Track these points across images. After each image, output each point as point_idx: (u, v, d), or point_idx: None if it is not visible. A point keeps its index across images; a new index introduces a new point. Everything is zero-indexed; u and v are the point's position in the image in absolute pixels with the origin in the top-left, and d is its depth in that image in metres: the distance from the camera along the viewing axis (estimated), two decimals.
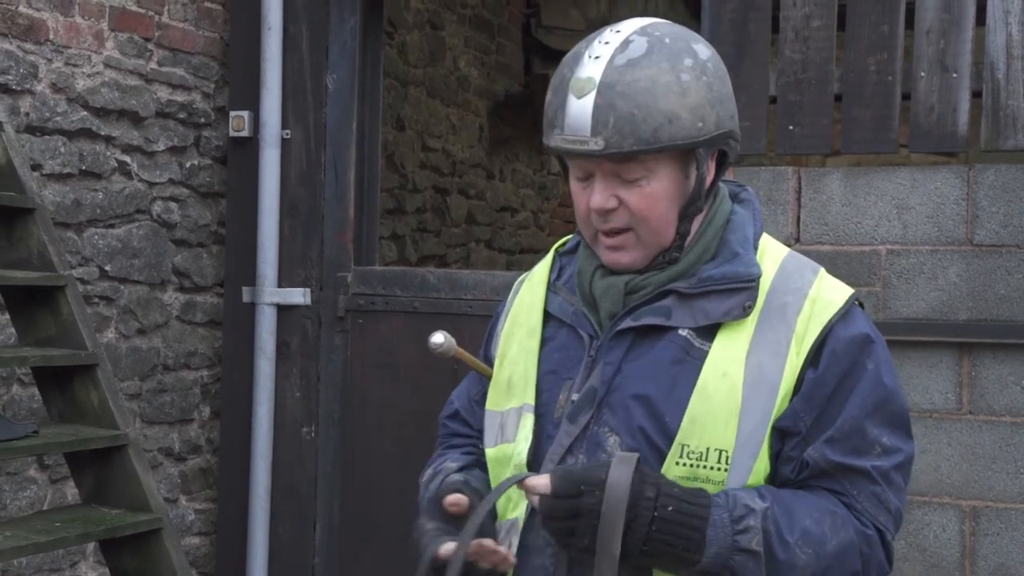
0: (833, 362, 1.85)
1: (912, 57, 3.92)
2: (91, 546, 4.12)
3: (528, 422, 1.93)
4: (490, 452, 2.02)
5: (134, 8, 4.34)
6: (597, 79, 1.83)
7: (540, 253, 7.74)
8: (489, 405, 2.05)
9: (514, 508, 1.95)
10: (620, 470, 1.78)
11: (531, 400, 1.95)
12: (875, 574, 1.88)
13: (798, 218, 3.98)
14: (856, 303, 1.92)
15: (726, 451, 1.82)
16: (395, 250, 6.36)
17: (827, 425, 1.85)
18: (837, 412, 1.85)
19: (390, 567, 4.48)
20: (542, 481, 1.79)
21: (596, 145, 1.82)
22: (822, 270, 1.94)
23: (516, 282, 2.16)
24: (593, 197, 1.88)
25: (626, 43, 1.85)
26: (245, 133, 4.63)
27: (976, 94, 3.87)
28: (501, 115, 7.54)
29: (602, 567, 1.76)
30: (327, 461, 4.57)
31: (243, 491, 4.59)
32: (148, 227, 4.45)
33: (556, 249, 2.11)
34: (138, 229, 4.40)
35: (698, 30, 10.39)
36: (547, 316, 2.01)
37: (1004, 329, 3.73)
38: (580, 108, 1.83)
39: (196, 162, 4.66)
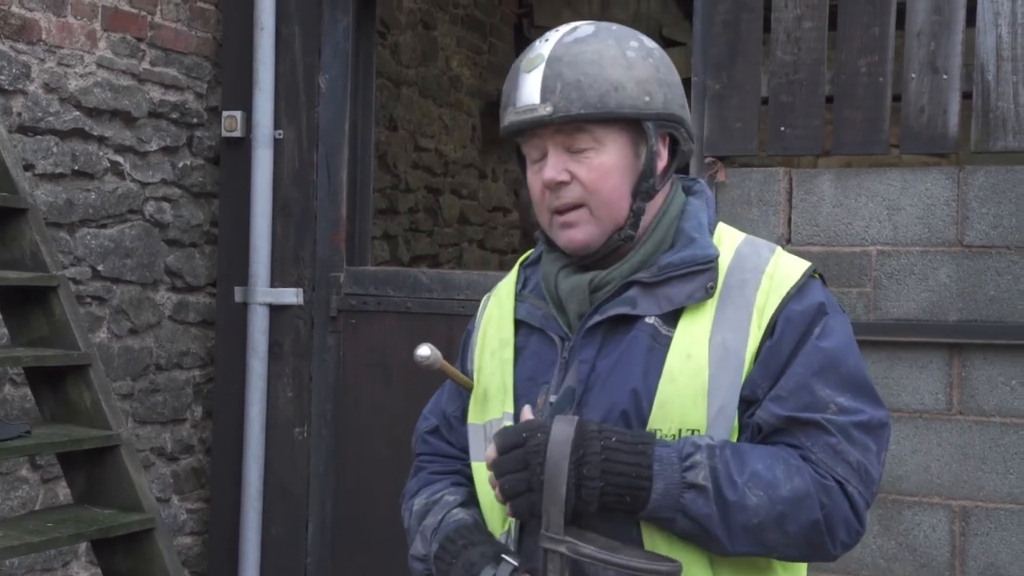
0: (787, 330, 1.88)
1: (903, 59, 3.93)
2: (83, 546, 4.13)
3: None
4: (480, 466, 2.03)
5: (127, 8, 4.34)
6: (546, 54, 1.92)
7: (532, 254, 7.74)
8: (471, 419, 2.07)
9: (505, 521, 1.97)
10: (562, 417, 1.83)
11: (510, 409, 1.97)
12: (843, 531, 1.86)
13: (789, 219, 4.00)
14: (813, 275, 1.94)
15: (698, 430, 1.85)
16: (387, 250, 6.36)
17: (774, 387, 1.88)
18: (783, 372, 1.87)
19: (382, 567, 4.49)
20: (490, 446, 1.86)
21: (545, 111, 1.89)
22: (779, 248, 1.98)
23: (483, 299, 2.19)
24: (545, 171, 1.93)
25: (574, 28, 1.96)
26: (238, 133, 4.64)
27: (966, 96, 3.88)
28: (494, 115, 7.55)
29: (550, 510, 1.78)
30: (319, 461, 4.57)
31: (235, 491, 4.59)
32: (140, 227, 4.45)
33: (520, 262, 2.15)
34: (130, 229, 4.40)
35: (690, 31, 10.31)
36: (518, 325, 2.04)
37: (994, 330, 3.75)
38: (530, 80, 1.91)
39: (188, 162, 4.66)
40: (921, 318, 3.84)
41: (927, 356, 3.82)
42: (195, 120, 4.68)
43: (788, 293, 1.90)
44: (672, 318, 1.91)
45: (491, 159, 7.62)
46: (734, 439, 1.87)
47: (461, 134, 7.22)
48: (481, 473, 2.03)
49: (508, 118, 1.95)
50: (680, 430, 1.85)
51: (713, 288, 1.90)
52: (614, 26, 1.97)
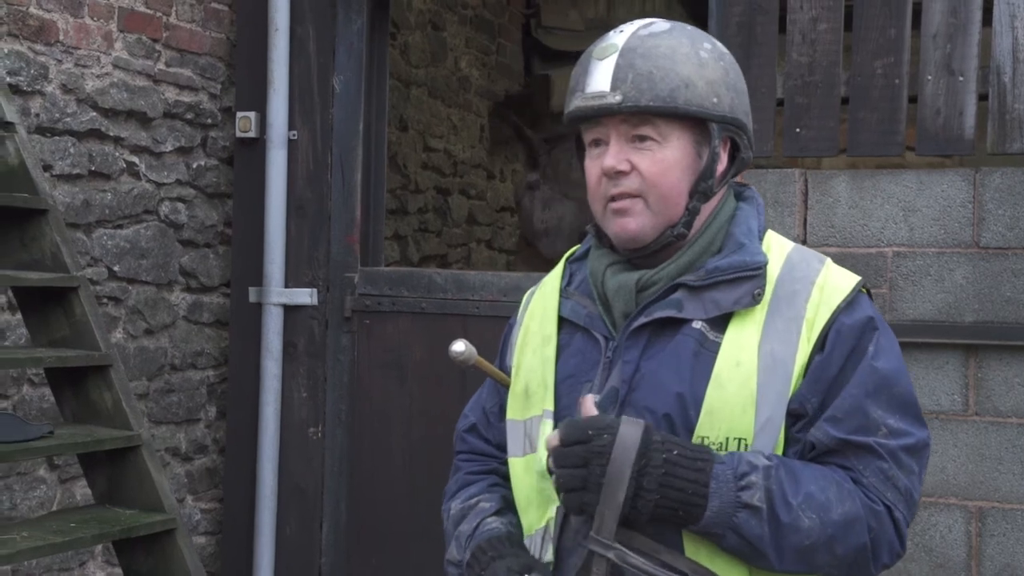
0: (838, 344, 1.89)
1: (919, 60, 3.94)
2: (100, 546, 4.13)
3: (547, 429, 1.96)
4: (518, 461, 2.04)
5: (142, 9, 4.35)
6: (620, 44, 1.93)
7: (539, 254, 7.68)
8: (510, 415, 2.07)
9: (543, 515, 1.97)
10: (630, 420, 1.82)
11: (550, 407, 1.97)
12: (887, 553, 1.89)
13: (805, 220, 4.01)
14: (862, 290, 1.95)
15: (745, 439, 1.85)
16: (397, 250, 6.37)
17: (829, 406, 1.87)
18: (838, 393, 1.88)
19: (397, 567, 4.50)
20: (551, 434, 1.84)
21: (614, 99, 1.90)
22: (828, 260, 1.99)
23: (527, 293, 2.19)
24: (606, 159, 1.93)
25: (651, 23, 1.98)
26: (252, 134, 4.65)
27: (983, 97, 3.89)
28: (502, 115, 7.56)
29: (604, 513, 1.78)
30: (334, 461, 4.58)
31: (249, 491, 4.60)
32: (156, 227, 4.46)
33: (567, 258, 2.14)
34: (146, 230, 4.41)
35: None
36: (561, 322, 2.03)
37: (1010, 331, 3.75)
38: (602, 68, 1.92)
39: (203, 163, 4.67)
40: (937, 319, 3.85)
41: (943, 357, 3.83)
42: (209, 121, 4.68)
43: (839, 306, 1.90)
44: (719, 324, 1.91)
45: (499, 159, 7.63)
46: (779, 451, 1.88)
47: (470, 134, 7.23)
48: (518, 469, 2.04)
49: (575, 103, 1.95)
50: (727, 438, 1.85)
51: (761, 295, 1.90)
52: (689, 26, 1.99)
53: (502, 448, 2.12)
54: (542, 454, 1.95)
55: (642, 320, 1.93)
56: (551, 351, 2.01)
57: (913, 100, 3.96)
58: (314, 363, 4.59)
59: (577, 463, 1.79)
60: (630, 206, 1.93)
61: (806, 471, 1.85)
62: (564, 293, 2.06)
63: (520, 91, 7.79)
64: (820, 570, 1.86)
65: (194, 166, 4.63)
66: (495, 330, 4.32)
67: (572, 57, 7.63)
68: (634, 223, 1.94)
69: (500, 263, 7.50)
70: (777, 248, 1.99)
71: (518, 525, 2.05)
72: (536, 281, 4.34)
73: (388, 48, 4.90)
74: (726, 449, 1.84)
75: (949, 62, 3.90)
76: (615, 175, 1.93)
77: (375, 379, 4.54)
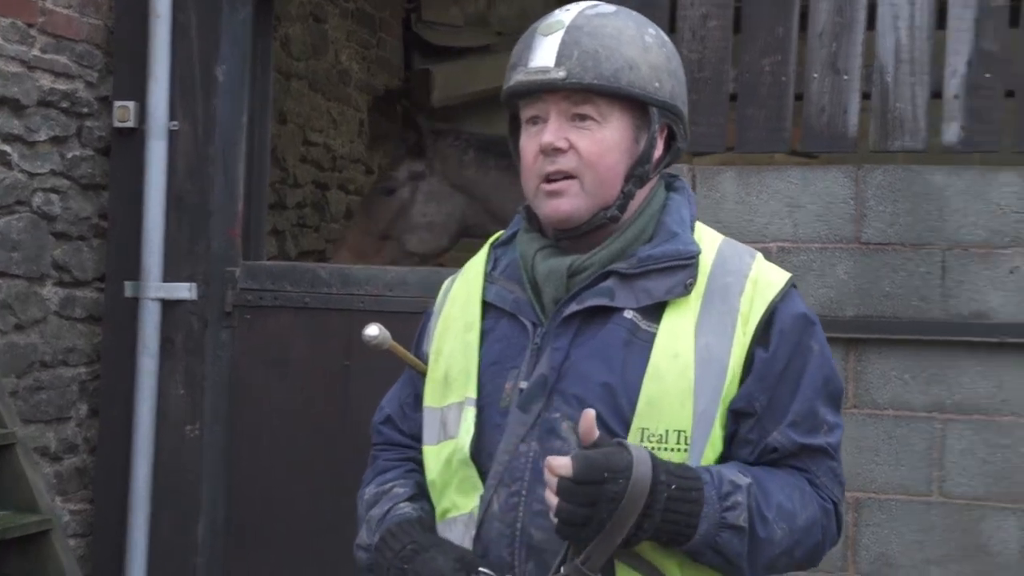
0: (782, 341, 1.89)
1: (805, 59, 3.99)
2: None
3: (470, 415, 1.92)
4: (432, 449, 2.00)
5: None
6: (567, 22, 1.92)
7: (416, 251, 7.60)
8: (427, 402, 2.03)
9: (467, 502, 1.93)
10: (641, 456, 1.76)
11: (472, 394, 1.94)
12: (829, 544, 1.94)
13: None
14: (793, 285, 1.95)
15: (684, 431, 1.84)
16: (275, 245, 6.26)
17: (783, 406, 1.89)
18: (790, 393, 1.89)
19: (275, 566, 4.42)
20: (563, 462, 1.75)
21: (558, 74, 1.88)
22: (759, 254, 1.99)
23: (447, 281, 2.15)
24: (545, 135, 1.91)
25: (596, 4, 1.97)
26: (130, 124, 4.51)
27: (866, 96, 3.96)
28: (381, 110, 7.49)
29: (598, 549, 1.75)
30: (212, 460, 4.47)
31: (122, 491, 4.46)
32: (28, 219, 4.30)
33: (491, 242, 2.11)
34: (18, 221, 4.25)
35: None
36: (485, 308, 2.00)
37: (889, 326, 3.82)
38: (547, 44, 1.91)
39: (78, 153, 4.52)
40: (819, 313, 3.83)
41: None
42: (85, 110, 4.53)
43: (772, 300, 1.91)
44: (652, 313, 1.89)
45: (377, 155, 7.56)
46: (716, 445, 1.87)
47: (349, 129, 7.15)
48: (430, 456, 2.00)
49: (516, 77, 1.93)
50: (668, 430, 1.84)
51: (693, 284, 1.89)
52: (633, 11, 1.99)
53: (417, 439, 2.08)
54: (465, 441, 1.91)
55: (573, 307, 1.91)
56: (474, 337, 1.97)
57: (799, 98, 4.01)
58: (192, 359, 4.47)
59: (584, 502, 1.74)
60: (565, 188, 1.91)
61: (772, 480, 1.87)
62: (489, 278, 2.03)
63: (400, 86, 7.73)
64: (777, 572, 1.87)
65: (69, 156, 4.47)
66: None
67: (452, 52, 7.55)
68: (567, 204, 1.91)
69: None
70: (708, 239, 1.98)
71: (430, 512, 2.01)
72: (423, 276, 4.32)
73: (272, 39, 4.80)
74: (666, 441, 1.83)
75: (834, 61, 3.96)
76: (552, 152, 1.91)
77: (256, 375, 4.44)
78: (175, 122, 4.49)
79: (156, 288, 4.44)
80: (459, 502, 1.93)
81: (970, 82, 3.85)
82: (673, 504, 1.77)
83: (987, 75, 3.85)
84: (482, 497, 1.89)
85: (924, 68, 3.89)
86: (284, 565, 4.41)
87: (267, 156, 4.69)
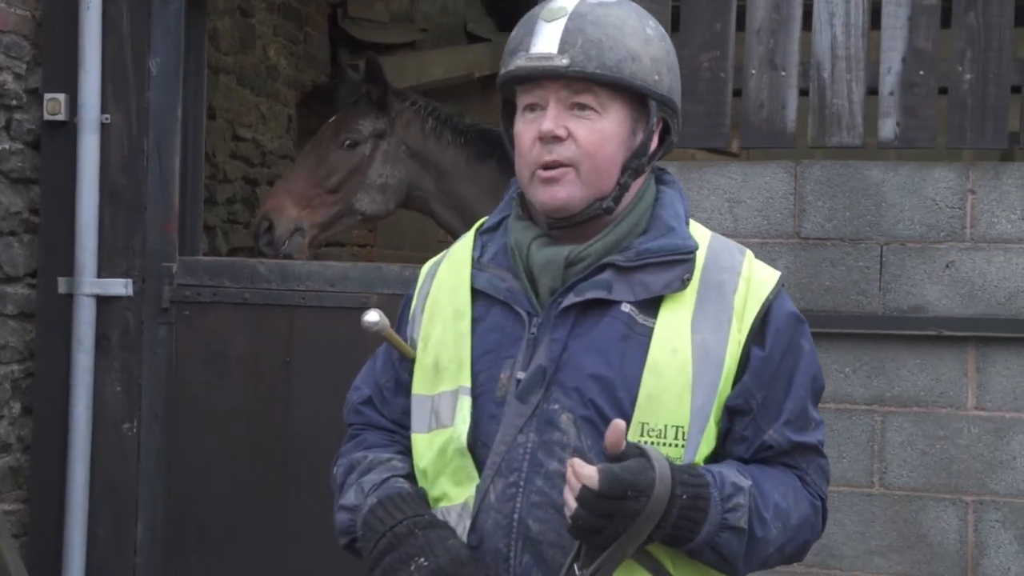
0: (777, 340, 1.92)
1: (743, 55, 4.03)
2: None
3: (465, 404, 1.92)
4: (423, 437, 1.98)
5: None
6: (570, 8, 1.91)
7: (347, 247, 7.62)
8: (417, 389, 2.01)
9: (461, 493, 1.92)
10: (664, 474, 1.76)
11: (467, 382, 1.93)
12: (814, 538, 1.98)
13: None
14: (783, 285, 1.98)
15: (682, 427, 1.86)
16: (206, 241, 6.19)
17: (777, 405, 1.91)
18: (784, 391, 1.91)
19: (216, 565, 4.37)
20: (589, 472, 1.75)
21: (561, 62, 1.87)
22: (748, 251, 2.01)
23: (429, 264, 2.14)
24: (544, 122, 1.90)
25: None
26: (61, 117, 4.43)
27: (803, 92, 4.01)
28: (309, 105, 7.44)
29: (607, 560, 1.76)
30: (149, 458, 4.41)
31: (58, 491, 4.38)
32: None
33: (477, 228, 2.10)
34: None
35: (494, 27, 10.24)
36: (474, 295, 1.99)
37: (827, 319, 3.88)
38: (550, 30, 1.90)
39: (7, 146, 4.42)
40: None
41: None
42: (14, 102, 4.44)
43: (767, 298, 1.93)
44: (648, 307, 1.90)
45: None
46: (710, 441, 1.89)
47: (278, 124, 7.09)
48: (420, 444, 1.98)
49: (516, 63, 1.91)
50: (666, 426, 1.85)
51: (689, 279, 1.90)
52: (635, 3, 1.99)
53: (399, 424, 2.07)
54: (462, 430, 1.90)
55: (572, 299, 1.90)
56: (465, 325, 1.96)
57: (738, 94, 4.05)
58: (129, 356, 4.41)
59: (603, 513, 1.74)
60: (561, 175, 1.91)
61: (768, 480, 1.89)
62: (477, 265, 2.01)
63: (328, 81, 7.68)
64: (766, 567, 1.90)
65: None
66: (322, 321, 4.29)
67: (378, 49, 7.43)
68: (564, 191, 1.91)
69: (308, 256, 7.36)
70: (699, 235, 2.00)
71: (426, 497, 1.99)
72: (365, 272, 4.29)
73: (206, 32, 4.75)
74: (665, 436, 1.85)
75: (772, 57, 4.01)
76: (551, 140, 1.90)
77: (194, 372, 4.39)
78: (107, 115, 4.41)
79: (91, 284, 4.37)
80: (452, 492, 1.93)
81: (905, 79, 3.92)
82: (683, 512, 1.79)
83: (921, 72, 3.92)
84: (478, 487, 1.89)
85: (860, 65, 3.95)
86: (224, 565, 4.36)
87: (202, 150, 4.64)
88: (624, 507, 1.73)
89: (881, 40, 3.94)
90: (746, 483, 1.84)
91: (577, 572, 1.80)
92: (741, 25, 4.05)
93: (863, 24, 3.94)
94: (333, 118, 4.95)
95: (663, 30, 2.00)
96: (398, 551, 1.86)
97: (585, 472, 1.75)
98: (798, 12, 4.00)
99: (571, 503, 1.76)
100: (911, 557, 3.80)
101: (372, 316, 1.94)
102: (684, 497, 1.78)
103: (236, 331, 4.35)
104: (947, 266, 3.82)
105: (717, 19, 4.04)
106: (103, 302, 4.39)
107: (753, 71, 4.02)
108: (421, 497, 1.96)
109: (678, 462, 1.85)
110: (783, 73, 4.00)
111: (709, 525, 1.81)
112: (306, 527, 4.30)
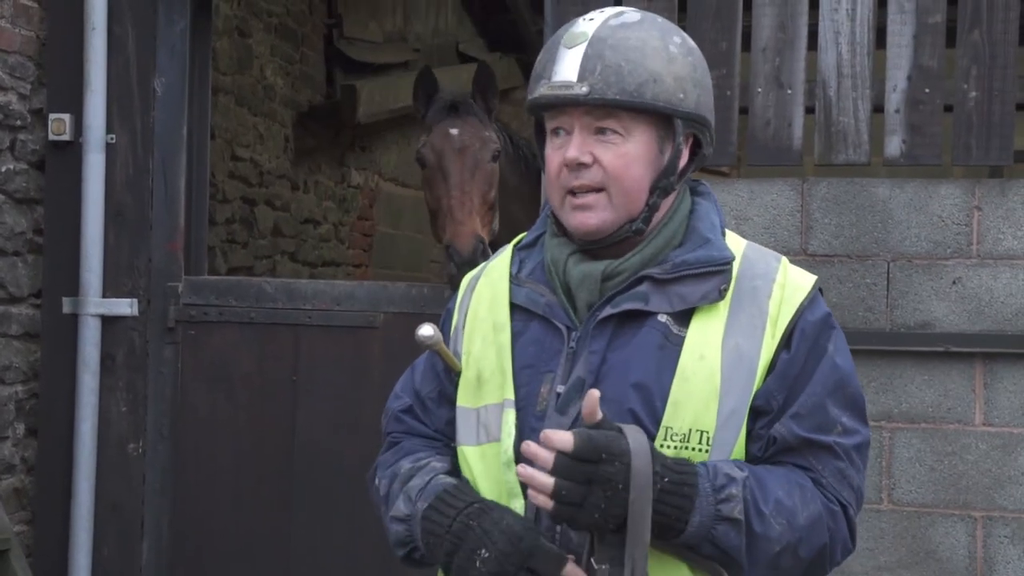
0: (801, 342, 1.93)
1: (749, 73, 4.06)
2: None
3: (510, 418, 1.92)
4: (473, 450, 1.99)
5: None
6: (590, 33, 1.92)
7: (342, 267, 7.61)
8: (461, 402, 2.02)
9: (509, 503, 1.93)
10: (639, 442, 1.77)
11: (510, 395, 1.93)
12: (840, 551, 1.94)
13: None
14: (819, 289, 1.98)
15: (707, 432, 1.86)
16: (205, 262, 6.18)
17: (791, 400, 1.91)
18: (799, 388, 1.91)
19: None
20: (563, 436, 1.77)
21: (580, 90, 1.88)
22: (784, 258, 2.02)
23: (468, 278, 2.15)
24: (569, 150, 1.92)
25: (621, 12, 1.96)
26: (66, 137, 4.43)
27: (809, 110, 4.03)
28: (306, 126, 7.45)
29: (634, 554, 1.76)
30: (155, 478, 4.40)
31: (63, 511, 4.37)
32: None
33: (514, 244, 2.11)
34: None
35: (484, 48, 10.25)
36: (512, 309, 2.00)
37: None
38: (571, 57, 1.91)
39: (11, 167, 4.42)
40: None
41: None
42: (18, 122, 4.44)
43: (801, 304, 1.94)
44: (683, 317, 1.91)
45: (303, 170, 7.51)
46: (741, 445, 1.89)
47: (275, 144, 7.09)
48: (473, 457, 1.98)
49: (539, 91, 1.93)
50: (691, 430, 1.86)
51: (726, 290, 1.91)
52: (659, 18, 1.99)
53: (441, 433, 2.08)
54: (507, 444, 1.91)
55: (609, 311, 1.92)
56: (505, 339, 1.98)
57: (744, 111, 4.07)
58: (134, 376, 4.40)
59: (580, 480, 1.75)
60: (592, 202, 1.92)
61: (771, 477, 1.88)
62: (515, 280, 2.03)
63: (324, 102, 7.69)
64: (783, 573, 1.88)
65: (2, 170, 4.37)
66: (328, 340, 4.29)
67: (373, 69, 7.17)
68: (594, 218, 1.93)
69: (303, 276, 7.37)
70: (735, 244, 2.00)
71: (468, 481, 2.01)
72: (371, 291, 4.28)
73: (211, 51, 4.75)
74: (689, 441, 1.86)
75: (778, 75, 4.03)
76: (577, 167, 1.91)
77: (200, 392, 4.38)
78: (112, 135, 4.42)
79: (96, 304, 4.36)
80: (503, 499, 1.94)
81: (910, 97, 3.95)
82: (665, 496, 1.79)
83: (926, 90, 3.94)
84: (527, 507, 1.89)
85: (866, 83, 3.97)
86: None
87: (207, 169, 4.64)
88: (600, 471, 1.75)
89: (887, 58, 3.97)
90: (740, 474, 1.84)
91: (595, 567, 1.80)
92: (747, 44, 4.07)
93: (868, 42, 3.97)
94: (455, 130, 4.42)
95: (691, 44, 1.99)
96: (462, 549, 1.86)
97: (559, 436, 1.77)
98: (803, 31, 4.03)
99: (544, 480, 1.76)
100: (920, 573, 3.81)
101: (427, 330, 1.94)
102: (666, 480, 1.79)
103: (242, 350, 4.35)
104: (954, 282, 3.84)
105: (722, 38, 4.06)
106: (108, 322, 4.39)
107: (759, 89, 4.04)
108: (467, 485, 1.97)
109: None
110: (789, 91, 4.02)
111: (700, 515, 1.81)
112: (311, 545, 4.29)
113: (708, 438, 1.86)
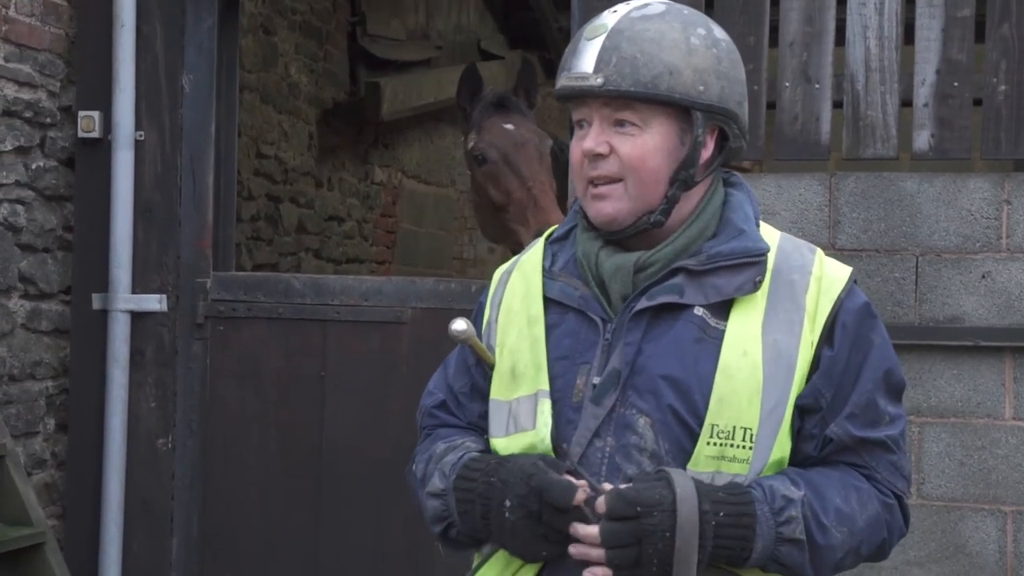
0: (844, 337, 1.93)
1: (776, 68, 4.05)
2: None
3: (546, 408, 1.93)
4: (501, 442, 2.00)
5: None
6: (610, 25, 1.93)
7: (365, 263, 7.65)
8: (495, 395, 2.03)
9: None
10: (685, 486, 1.78)
11: (545, 387, 1.94)
12: (896, 537, 1.97)
13: None
14: (855, 280, 1.98)
15: (751, 429, 1.86)
16: None
17: (844, 400, 1.92)
18: (851, 386, 1.92)
19: None
20: (597, 502, 1.80)
21: (595, 82, 1.90)
22: (819, 250, 2.02)
23: (500, 272, 2.15)
24: (586, 141, 1.94)
25: (646, 4, 1.96)
26: (95, 134, 4.46)
27: (837, 104, 4.03)
28: (329, 123, 7.47)
29: None
30: (184, 473, 4.42)
31: (93, 506, 4.39)
32: None
33: (546, 237, 2.11)
34: None
35: (505, 45, 10.22)
36: (546, 302, 2.01)
37: None
38: (589, 48, 1.93)
39: (41, 164, 4.45)
40: None
41: None
42: (48, 120, 4.47)
43: (839, 297, 1.94)
44: (719, 310, 1.91)
45: (327, 168, 7.54)
46: (780, 442, 1.90)
47: (299, 141, 7.12)
48: (499, 448, 1.99)
49: (560, 82, 1.96)
50: (735, 427, 1.86)
51: (761, 281, 1.91)
52: (686, 9, 1.98)
53: (474, 425, 2.09)
54: (544, 434, 1.92)
55: (644, 304, 1.92)
56: (540, 331, 1.98)
57: (772, 106, 4.07)
58: (163, 372, 4.42)
59: (627, 541, 1.78)
60: (609, 192, 1.94)
61: (827, 484, 1.90)
62: (548, 274, 2.03)
63: (348, 99, 7.71)
64: (843, 570, 1.91)
65: (32, 167, 4.40)
66: (356, 335, 4.30)
67: (395, 66, 7.11)
68: (610, 207, 1.94)
69: (328, 273, 7.40)
70: (769, 236, 2.00)
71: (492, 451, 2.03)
72: (399, 286, 4.30)
73: (238, 48, 4.77)
74: (733, 438, 1.86)
75: (806, 70, 4.02)
76: (594, 157, 1.93)
77: (229, 387, 4.40)
78: (140, 132, 4.44)
79: (125, 300, 4.39)
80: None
81: (939, 91, 3.94)
82: (724, 530, 1.80)
83: (955, 84, 3.93)
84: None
85: (894, 77, 3.97)
86: None
87: (234, 166, 4.66)
88: (642, 526, 1.77)
89: (915, 52, 3.96)
90: (798, 494, 1.85)
91: None
92: (774, 39, 4.06)
93: (896, 36, 3.97)
94: (510, 125, 4.51)
95: (717, 36, 1.97)
96: (492, 508, 1.89)
97: (595, 503, 1.82)
98: (831, 25, 4.02)
99: (596, 553, 1.80)
100: (950, 568, 3.80)
101: (460, 325, 1.95)
102: (722, 515, 1.80)
103: (270, 346, 4.37)
104: (983, 276, 3.83)
105: (750, 32, 4.06)
106: (137, 318, 4.41)
107: (787, 84, 4.04)
108: (490, 453, 2.00)
109: (746, 464, 1.86)
110: (817, 86, 4.01)
111: (762, 540, 1.82)
112: (340, 540, 4.31)
113: (752, 435, 1.86)
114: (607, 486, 1.82)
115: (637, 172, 1.92)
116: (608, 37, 1.91)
